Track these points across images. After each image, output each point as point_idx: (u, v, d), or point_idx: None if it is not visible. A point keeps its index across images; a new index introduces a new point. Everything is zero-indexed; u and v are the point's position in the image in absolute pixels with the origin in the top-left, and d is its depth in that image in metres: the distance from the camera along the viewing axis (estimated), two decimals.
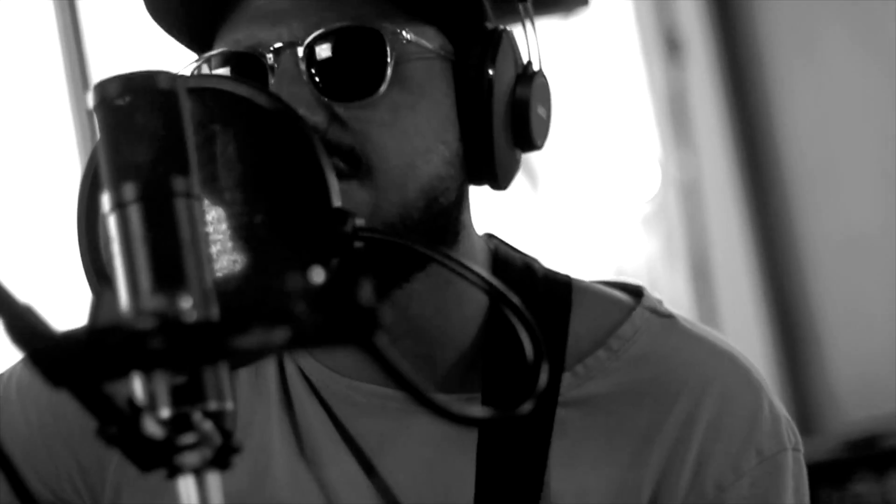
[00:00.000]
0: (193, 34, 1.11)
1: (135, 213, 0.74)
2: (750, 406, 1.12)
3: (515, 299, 0.80)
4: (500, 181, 1.12)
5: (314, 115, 1.02)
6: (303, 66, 1.03)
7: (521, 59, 1.13)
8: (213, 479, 0.73)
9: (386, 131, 1.04)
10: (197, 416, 0.70)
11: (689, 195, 3.45)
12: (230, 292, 0.81)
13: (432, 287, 1.10)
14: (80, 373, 0.61)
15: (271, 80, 1.04)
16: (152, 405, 0.73)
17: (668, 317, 1.16)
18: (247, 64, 1.05)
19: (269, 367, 1.16)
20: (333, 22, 1.03)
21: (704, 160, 3.50)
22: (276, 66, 1.04)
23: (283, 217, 0.81)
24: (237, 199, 0.82)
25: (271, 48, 1.04)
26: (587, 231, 3.85)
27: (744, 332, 3.45)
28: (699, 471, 1.10)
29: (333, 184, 0.82)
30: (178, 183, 0.75)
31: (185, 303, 0.62)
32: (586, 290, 1.19)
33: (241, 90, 0.84)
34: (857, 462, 2.79)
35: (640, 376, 1.13)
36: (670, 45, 3.46)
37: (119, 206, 0.75)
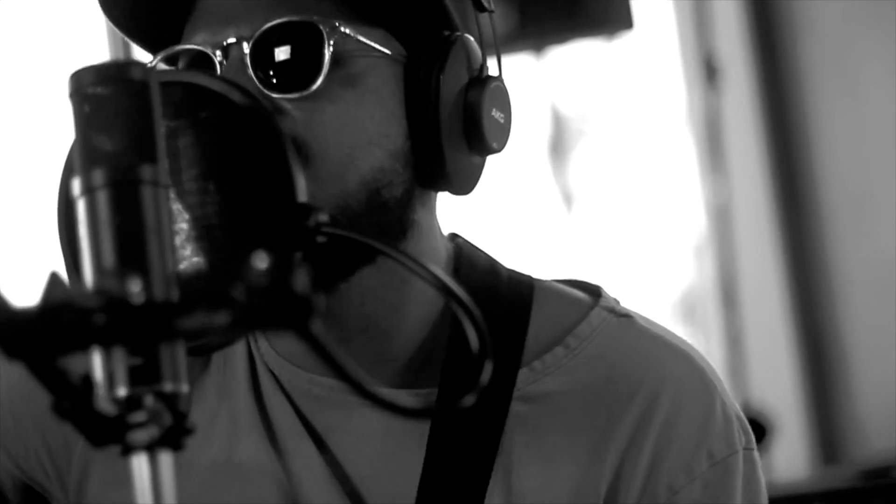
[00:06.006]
0: (150, 37, 1.15)
1: (102, 198, 0.77)
2: (703, 407, 1.14)
3: (462, 294, 0.82)
4: (454, 185, 1.14)
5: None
6: (248, 62, 1.08)
7: (476, 64, 1.15)
8: (166, 458, 0.76)
9: (326, 123, 1.08)
10: (148, 396, 0.73)
11: (721, 219, 3.45)
12: (190, 278, 0.84)
13: (387, 285, 1.13)
14: (31, 347, 0.64)
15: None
16: (110, 384, 0.76)
17: (626, 316, 1.18)
18: (200, 62, 1.10)
19: (238, 360, 1.20)
20: (277, 19, 1.07)
21: (737, 185, 3.50)
22: (224, 62, 1.08)
23: (248, 209, 0.84)
24: (203, 191, 0.85)
25: (221, 45, 1.08)
26: (622, 253, 3.86)
27: (772, 358, 3.45)
28: (652, 472, 1.12)
29: (300, 179, 0.85)
30: (146, 171, 0.78)
31: (134, 284, 0.65)
32: (548, 289, 1.21)
33: (215, 85, 0.86)
34: (871, 491, 2.77)
35: (596, 375, 1.15)
36: (708, 70, 3.48)
37: (88, 190, 0.78)
